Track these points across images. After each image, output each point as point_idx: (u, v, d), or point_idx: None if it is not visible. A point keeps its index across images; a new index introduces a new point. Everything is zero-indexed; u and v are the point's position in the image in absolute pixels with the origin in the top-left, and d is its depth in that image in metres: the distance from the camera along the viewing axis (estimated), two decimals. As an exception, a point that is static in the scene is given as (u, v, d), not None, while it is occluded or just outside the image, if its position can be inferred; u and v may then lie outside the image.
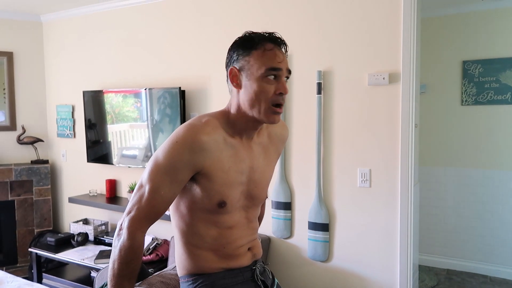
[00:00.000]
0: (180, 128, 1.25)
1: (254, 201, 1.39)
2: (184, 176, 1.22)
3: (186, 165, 1.21)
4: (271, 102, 1.25)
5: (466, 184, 3.82)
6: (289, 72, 1.29)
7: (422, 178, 3.51)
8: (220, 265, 1.34)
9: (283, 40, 1.30)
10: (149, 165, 1.24)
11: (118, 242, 1.20)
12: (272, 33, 1.29)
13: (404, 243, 2.51)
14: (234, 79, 1.29)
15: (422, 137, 3.47)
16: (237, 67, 1.28)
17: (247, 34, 1.30)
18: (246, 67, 1.26)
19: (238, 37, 1.31)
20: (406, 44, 2.44)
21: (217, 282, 1.34)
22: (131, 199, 1.23)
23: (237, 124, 1.31)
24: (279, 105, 1.26)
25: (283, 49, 1.28)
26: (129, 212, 1.22)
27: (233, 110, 1.31)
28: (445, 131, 3.88)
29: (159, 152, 1.23)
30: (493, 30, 3.63)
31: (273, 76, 1.24)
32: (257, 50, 1.24)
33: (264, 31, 1.29)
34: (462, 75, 3.78)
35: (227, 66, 1.33)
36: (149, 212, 1.21)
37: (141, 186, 1.22)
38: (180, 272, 1.40)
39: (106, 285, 1.92)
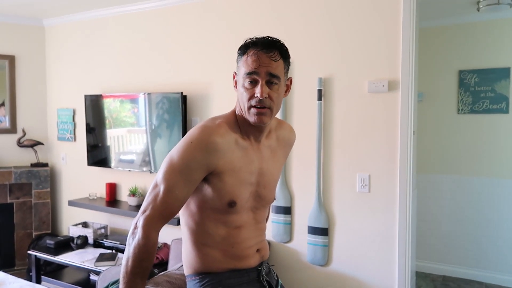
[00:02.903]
0: (194, 130, 1.29)
1: (262, 202, 1.42)
2: (197, 176, 1.26)
3: (200, 165, 1.25)
4: (249, 105, 1.29)
5: (462, 191, 3.87)
6: (272, 76, 1.27)
7: (418, 185, 3.56)
8: (228, 266, 1.37)
9: (274, 44, 1.29)
10: (163, 165, 1.27)
11: (132, 240, 1.23)
12: (266, 37, 1.31)
13: (402, 249, 2.55)
14: (234, 82, 1.38)
15: (419, 144, 3.52)
16: (235, 71, 1.37)
17: (247, 39, 1.34)
18: (237, 72, 1.34)
19: None
20: (405, 53, 2.50)
21: (223, 281, 1.37)
22: (146, 198, 1.27)
23: (242, 125, 1.36)
24: (259, 107, 1.28)
25: (271, 53, 1.27)
26: (144, 211, 1.25)
27: (237, 110, 1.38)
28: (442, 139, 3.94)
29: (174, 153, 1.27)
30: (489, 41, 3.71)
31: (250, 81, 1.28)
32: (244, 55, 1.30)
33: (263, 36, 1.32)
34: (458, 84, 3.85)
35: None
36: (163, 211, 1.24)
37: (156, 185, 1.26)
38: (187, 270, 1.43)
39: (109, 286, 1.94)
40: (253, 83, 1.29)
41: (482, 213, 3.79)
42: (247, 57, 1.29)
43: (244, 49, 1.31)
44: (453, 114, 3.89)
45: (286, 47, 1.33)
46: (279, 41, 1.32)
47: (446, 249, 3.94)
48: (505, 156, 3.69)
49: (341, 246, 2.74)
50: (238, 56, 1.34)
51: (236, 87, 1.37)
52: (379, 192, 2.61)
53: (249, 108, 1.30)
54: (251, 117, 1.30)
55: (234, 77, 1.38)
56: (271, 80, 1.29)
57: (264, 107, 1.29)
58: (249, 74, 1.28)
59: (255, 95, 1.27)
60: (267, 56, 1.27)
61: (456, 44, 3.84)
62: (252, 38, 1.32)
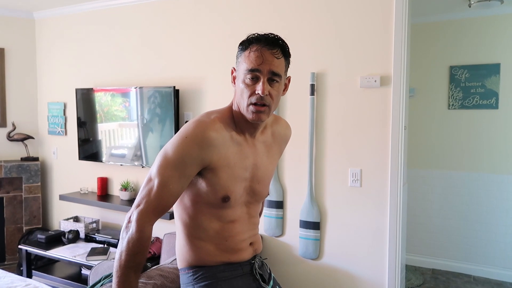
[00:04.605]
0: (189, 124, 1.29)
1: (256, 197, 1.43)
2: (192, 170, 1.26)
3: (194, 160, 1.25)
4: (249, 102, 1.29)
5: (451, 186, 3.92)
6: (274, 74, 1.27)
7: (409, 179, 3.60)
8: (221, 259, 1.38)
9: (276, 41, 1.29)
10: (158, 159, 1.27)
11: (126, 234, 1.23)
12: (268, 34, 1.31)
13: (393, 242, 2.58)
14: (233, 77, 1.37)
15: (410, 139, 3.55)
16: (235, 67, 1.36)
17: (250, 35, 1.33)
18: (237, 67, 1.33)
19: None
20: (397, 49, 2.52)
21: (217, 274, 1.37)
22: (140, 193, 1.27)
23: (238, 121, 1.36)
24: (259, 104, 1.28)
25: (274, 50, 1.27)
26: (138, 205, 1.25)
27: (234, 106, 1.38)
28: (432, 134, 3.98)
29: (168, 147, 1.26)
30: (480, 37, 3.75)
31: (252, 77, 1.27)
32: (246, 51, 1.29)
33: (264, 32, 1.31)
34: (449, 80, 3.89)
35: None
36: (157, 205, 1.24)
37: (150, 180, 1.26)
38: (180, 264, 1.44)
39: (101, 280, 1.94)
40: (255, 79, 1.28)
41: (471, 207, 3.84)
42: (249, 52, 1.28)
43: (246, 44, 1.30)
44: (443, 110, 3.93)
45: (287, 46, 1.33)
46: (281, 39, 1.32)
47: (435, 243, 3.99)
48: (494, 151, 3.74)
49: (333, 240, 2.76)
50: (239, 51, 1.33)
51: (235, 83, 1.35)
52: (371, 186, 2.64)
53: (249, 105, 1.29)
54: (249, 114, 1.30)
55: (232, 73, 1.37)
56: (272, 77, 1.28)
57: (263, 105, 1.28)
58: (251, 70, 1.27)
59: (256, 92, 1.27)
60: (270, 53, 1.27)
61: (448, 40, 3.87)
62: (254, 34, 1.30)
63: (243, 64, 1.29)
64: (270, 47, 1.27)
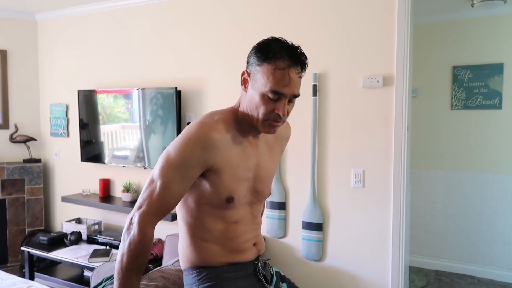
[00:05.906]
0: (192, 125, 1.28)
1: (258, 196, 1.43)
2: (194, 172, 1.25)
3: (197, 162, 1.24)
4: (267, 117, 1.27)
5: (455, 186, 3.90)
6: (295, 96, 1.26)
7: (412, 180, 3.58)
8: (226, 259, 1.37)
9: (303, 60, 1.24)
10: (160, 161, 1.26)
11: (127, 236, 1.22)
12: (296, 47, 1.24)
13: (396, 244, 2.56)
14: (244, 82, 1.32)
15: (413, 140, 3.53)
16: (248, 71, 1.29)
17: (270, 39, 1.27)
18: (254, 76, 1.26)
19: (263, 40, 1.29)
20: (400, 49, 2.51)
21: (221, 275, 1.37)
22: (142, 194, 1.25)
23: (243, 123, 1.35)
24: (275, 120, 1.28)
25: (299, 69, 1.23)
26: (140, 207, 1.24)
27: (241, 108, 1.35)
28: (435, 134, 3.96)
29: (171, 149, 1.25)
30: (483, 37, 3.73)
31: (274, 97, 1.24)
32: (269, 64, 1.22)
33: (288, 41, 1.25)
34: (452, 80, 3.87)
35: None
36: (159, 207, 1.23)
37: (152, 181, 1.25)
38: (184, 264, 1.43)
39: (103, 282, 1.93)
40: (276, 99, 1.25)
41: (475, 208, 3.82)
42: (274, 69, 1.21)
43: (268, 54, 1.22)
44: (446, 110, 3.91)
45: (307, 59, 1.26)
46: (304, 53, 1.25)
47: (439, 244, 3.97)
48: (498, 151, 3.72)
49: (336, 241, 2.75)
50: (258, 58, 1.25)
51: (245, 87, 1.31)
52: (374, 187, 2.62)
53: (265, 120, 1.28)
54: (264, 128, 1.30)
55: (242, 75, 1.31)
56: (292, 98, 1.27)
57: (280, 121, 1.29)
58: (276, 93, 1.23)
59: (276, 111, 1.25)
60: (295, 73, 1.23)
61: (450, 40, 3.85)
62: (277, 42, 1.24)
63: (266, 79, 1.22)
64: (296, 65, 1.22)
